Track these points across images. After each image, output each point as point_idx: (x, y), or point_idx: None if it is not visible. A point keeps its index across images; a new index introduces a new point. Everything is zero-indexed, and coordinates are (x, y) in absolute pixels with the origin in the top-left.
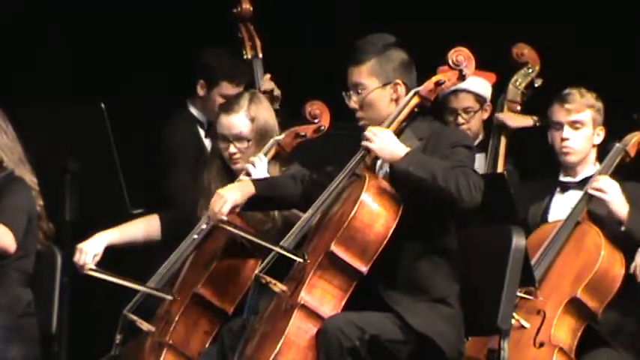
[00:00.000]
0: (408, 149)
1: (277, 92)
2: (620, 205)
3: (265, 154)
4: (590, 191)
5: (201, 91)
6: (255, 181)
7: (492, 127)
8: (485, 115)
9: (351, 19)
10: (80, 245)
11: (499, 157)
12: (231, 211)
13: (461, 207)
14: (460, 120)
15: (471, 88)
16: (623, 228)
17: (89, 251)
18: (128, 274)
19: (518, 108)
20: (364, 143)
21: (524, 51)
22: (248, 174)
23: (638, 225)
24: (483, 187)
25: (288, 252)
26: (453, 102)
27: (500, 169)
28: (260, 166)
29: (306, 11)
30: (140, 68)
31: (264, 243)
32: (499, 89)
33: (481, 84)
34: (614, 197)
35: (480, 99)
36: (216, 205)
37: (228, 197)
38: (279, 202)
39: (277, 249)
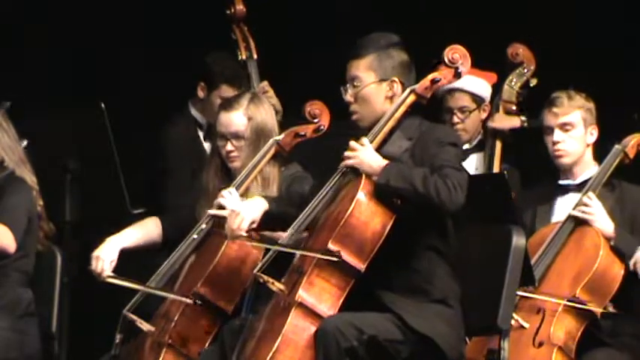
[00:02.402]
0: (385, 162)
1: (278, 105)
2: (605, 224)
3: (237, 187)
4: (574, 213)
5: (201, 93)
6: (266, 198)
7: (487, 131)
8: (484, 115)
9: (351, 19)
10: (95, 253)
11: (494, 161)
12: (249, 227)
13: (444, 210)
14: (455, 119)
15: (467, 88)
16: (612, 243)
17: (106, 258)
18: (127, 275)
19: (514, 108)
20: (344, 162)
21: (520, 51)
22: (221, 207)
23: (624, 243)
24: (468, 184)
25: (322, 254)
26: (449, 101)
27: (495, 170)
28: (231, 198)
29: (306, 11)
30: (140, 68)
31: (291, 250)
32: (496, 90)
33: (478, 83)
34: (598, 217)
35: (476, 99)
36: (233, 223)
37: (245, 214)
38: (290, 218)
39: (310, 253)
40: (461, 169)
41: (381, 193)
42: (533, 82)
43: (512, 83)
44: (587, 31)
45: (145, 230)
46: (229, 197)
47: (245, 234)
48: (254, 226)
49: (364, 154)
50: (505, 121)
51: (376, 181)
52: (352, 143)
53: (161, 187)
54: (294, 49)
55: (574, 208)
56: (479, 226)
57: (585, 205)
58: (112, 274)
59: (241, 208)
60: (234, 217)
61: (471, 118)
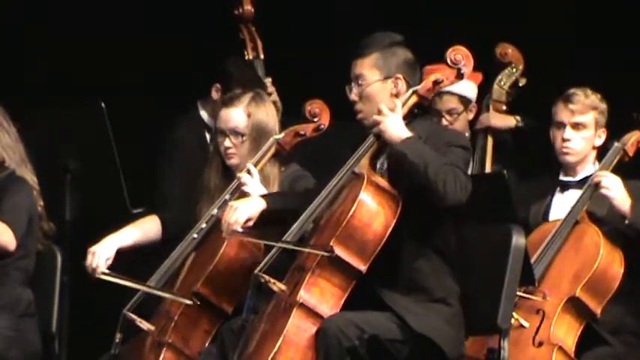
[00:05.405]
0: (410, 134)
1: (278, 103)
2: (622, 200)
3: (256, 164)
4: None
5: (215, 95)
6: (265, 196)
7: (477, 129)
8: (471, 116)
9: (351, 19)
10: (92, 248)
11: (487, 157)
12: (245, 223)
13: (443, 203)
14: (444, 122)
15: (455, 90)
16: (626, 221)
17: (102, 255)
18: (127, 274)
19: (504, 108)
20: (374, 117)
21: (508, 50)
22: (242, 183)
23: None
24: (471, 189)
25: (313, 249)
26: (437, 103)
27: (488, 169)
28: (254, 176)
29: (306, 11)
30: (140, 68)
31: (285, 245)
32: (484, 89)
33: (465, 85)
34: (617, 193)
35: (464, 100)
36: (230, 217)
37: (242, 209)
38: (290, 215)
39: (303, 248)
40: (467, 173)
41: (394, 160)
42: (522, 81)
43: (502, 83)
44: (587, 30)
45: (144, 229)
46: (249, 177)
47: (240, 229)
48: (250, 223)
49: (391, 120)
50: (501, 120)
51: (395, 146)
52: (382, 107)
53: (161, 187)
54: (294, 48)
55: (591, 182)
56: (479, 226)
57: (603, 178)
58: (106, 270)
59: (238, 203)
60: (231, 211)
61: (459, 120)
